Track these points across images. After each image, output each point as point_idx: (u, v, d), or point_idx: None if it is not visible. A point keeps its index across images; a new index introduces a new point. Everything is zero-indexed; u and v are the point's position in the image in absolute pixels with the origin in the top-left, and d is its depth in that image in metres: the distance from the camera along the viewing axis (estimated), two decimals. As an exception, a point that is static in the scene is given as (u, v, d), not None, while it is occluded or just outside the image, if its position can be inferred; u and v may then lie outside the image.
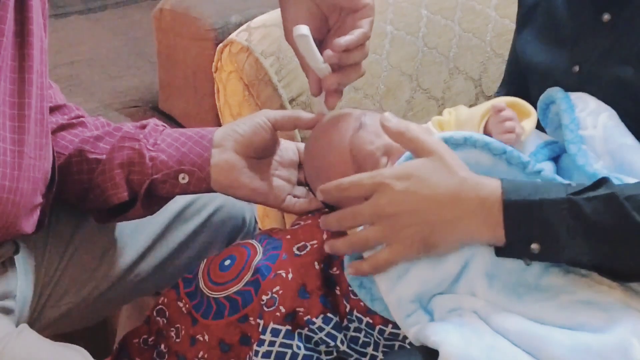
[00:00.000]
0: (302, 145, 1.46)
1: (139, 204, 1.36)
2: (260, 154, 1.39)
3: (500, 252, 1.17)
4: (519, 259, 1.17)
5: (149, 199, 1.37)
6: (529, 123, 1.31)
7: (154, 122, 1.41)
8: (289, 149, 1.45)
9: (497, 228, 1.15)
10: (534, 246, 1.14)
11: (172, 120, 2.76)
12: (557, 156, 1.35)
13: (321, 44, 1.34)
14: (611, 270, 1.15)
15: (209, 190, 1.37)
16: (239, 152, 1.36)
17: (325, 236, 1.33)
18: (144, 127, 1.40)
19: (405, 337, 1.23)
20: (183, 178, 1.35)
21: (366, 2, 1.32)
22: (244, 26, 1.76)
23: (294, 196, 1.43)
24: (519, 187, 1.16)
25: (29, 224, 1.28)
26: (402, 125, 1.24)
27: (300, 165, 1.45)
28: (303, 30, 1.30)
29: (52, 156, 1.33)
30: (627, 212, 1.11)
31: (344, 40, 1.29)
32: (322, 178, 1.36)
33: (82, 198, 1.39)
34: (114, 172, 1.35)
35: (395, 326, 1.24)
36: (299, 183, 1.45)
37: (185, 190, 1.37)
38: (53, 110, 1.41)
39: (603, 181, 1.14)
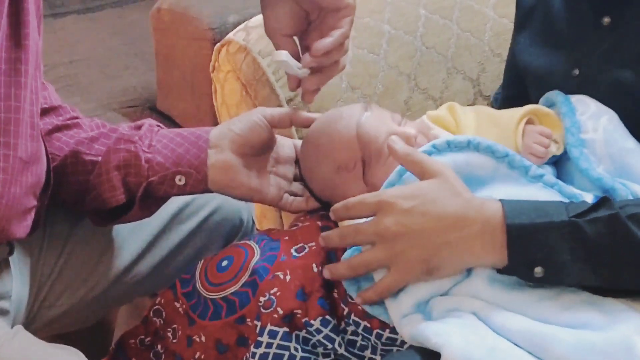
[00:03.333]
0: (298, 142, 1.46)
1: (137, 207, 1.36)
2: (257, 152, 1.39)
3: (502, 272, 1.17)
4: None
5: (146, 200, 1.37)
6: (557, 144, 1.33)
7: (149, 122, 1.41)
8: (285, 145, 1.45)
9: (500, 251, 1.15)
10: (538, 270, 1.13)
11: (170, 120, 2.75)
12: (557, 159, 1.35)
13: (301, 37, 1.37)
14: (616, 290, 1.14)
15: (207, 190, 1.37)
16: (235, 152, 1.36)
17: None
18: (139, 127, 1.39)
19: (403, 342, 1.22)
20: (180, 180, 1.35)
21: (348, 2, 1.32)
22: (242, 25, 1.75)
23: (291, 193, 1.43)
24: (520, 210, 1.15)
25: (21, 228, 1.27)
26: (408, 148, 1.25)
27: (297, 162, 1.45)
28: (282, 56, 1.33)
29: (47, 158, 1.32)
30: (631, 232, 1.11)
31: (323, 44, 1.31)
32: (324, 164, 1.37)
33: (79, 200, 1.38)
34: (111, 174, 1.34)
35: (393, 331, 1.23)
36: (296, 179, 1.45)
37: (182, 191, 1.36)
38: (48, 111, 1.41)
39: (604, 200, 1.14)
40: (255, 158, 1.39)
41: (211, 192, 1.38)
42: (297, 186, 1.44)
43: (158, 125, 1.41)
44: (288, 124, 1.42)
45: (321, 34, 1.33)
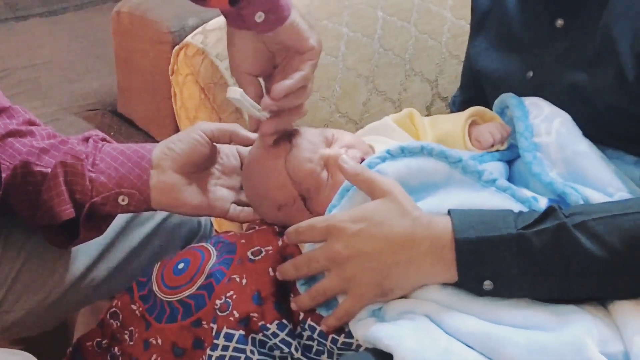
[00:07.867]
0: (242, 149, 1.45)
1: (82, 226, 1.35)
2: (199, 168, 1.39)
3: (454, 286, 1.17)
4: None
5: (92, 220, 1.36)
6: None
7: (95, 134, 1.40)
8: (229, 154, 1.45)
9: (450, 267, 1.16)
10: (487, 283, 1.14)
11: (131, 124, 2.73)
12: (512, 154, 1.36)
13: (267, 80, 1.34)
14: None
15: (150, 209, 1.37)
16: (177, 171, 1.35)
17: (280, 242, 1.32)
18: (87, 140, 1.38)
19: (359, 346, 1.23)
20: (123, 200, 1.34)
21: (312, 45, 1.31)
22: (200, 29, 1.75)
23: (240, 202, 1.43)
24: (468, 223, 1.15)
25: None
26: (358, 167, 1.25)
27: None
28: (234, 94, 1.29)
29: None
30: (578, 241, 1.11)
31: (283, 86, 1.28)
32: (265, 202, 1.37)
33: (32, 214, 1.37)
34: (60, 189, 1.33)
35: (348, 335, 1.24)
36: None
37: (126, 211, 1.36)
38: (-1, 113, 1.40)
39: (551, 210, 1.14)
40: (198, 174, 1.39)
41: (156, 210, 1.38)
42: (245, 195, 1.44)
43: (103, 139, 1.40)
44: (228, 141, 1.41)
45: (284, 76, 1.31)
